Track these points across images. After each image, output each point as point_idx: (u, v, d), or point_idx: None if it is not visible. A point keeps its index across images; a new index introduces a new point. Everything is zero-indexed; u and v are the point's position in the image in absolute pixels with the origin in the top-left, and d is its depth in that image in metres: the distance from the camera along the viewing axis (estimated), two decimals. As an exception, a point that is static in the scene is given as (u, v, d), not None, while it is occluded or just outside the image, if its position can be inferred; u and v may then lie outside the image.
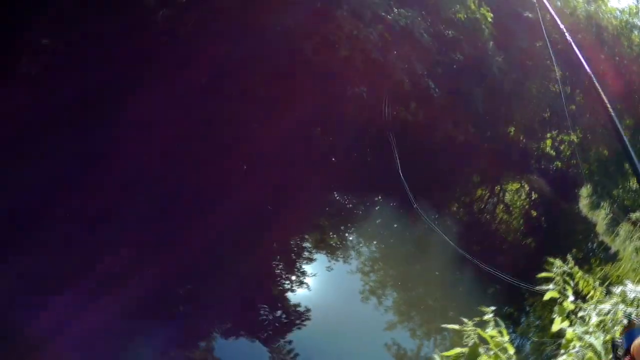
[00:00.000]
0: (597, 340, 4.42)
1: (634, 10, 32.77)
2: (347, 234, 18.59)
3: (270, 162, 17.05)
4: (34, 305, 8.76)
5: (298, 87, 16.97)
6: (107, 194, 12.21)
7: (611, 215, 29.26)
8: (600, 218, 31.03)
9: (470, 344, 4.37)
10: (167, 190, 13.77)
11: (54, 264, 9.72)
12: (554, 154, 33.39)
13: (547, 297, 4.93)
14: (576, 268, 5.69)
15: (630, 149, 3.38)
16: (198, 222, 13.13)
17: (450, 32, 20.04)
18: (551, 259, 5.23)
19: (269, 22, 16.48)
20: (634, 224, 23.43)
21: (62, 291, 9.08)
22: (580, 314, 5.10)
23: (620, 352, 2.95)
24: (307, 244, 17.24)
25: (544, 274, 5.07)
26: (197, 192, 14.59)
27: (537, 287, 5.21)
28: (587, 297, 5.65)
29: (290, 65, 16.92)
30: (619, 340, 2.99)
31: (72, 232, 10.88)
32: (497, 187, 28.40)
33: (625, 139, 3.55)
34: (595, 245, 24.96)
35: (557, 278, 5.03)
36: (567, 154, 33.36)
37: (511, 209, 27.64)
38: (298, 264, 15.59)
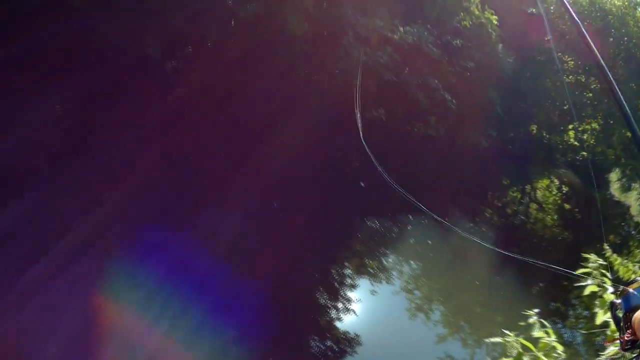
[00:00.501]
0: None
1: (637, -13, 32.64)
2: (385, 256, 18.62)
3: (298, 190, 17.18)
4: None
5: (316, 118, 17.14)
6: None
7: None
8: (633, 200, 30.72)
9: (514, 354, 4.48)
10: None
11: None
12: (577, 144, 33.12)
13: (586, 292, 4.91)
14: (614, 256, 5.62)
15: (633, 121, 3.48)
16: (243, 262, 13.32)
17: (458, 42, 20.03)
18: (586, 254, 5.18)
19: (274, 62, 16.76)
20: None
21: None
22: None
23: (619, 313, 3.06)
24: (347, 271, 17.29)
25: (581, 271, 5.00)
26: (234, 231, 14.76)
27: (578, 272, 4.99)
28: (629, 283, 5.58)
29: (305, 98, 17.10)
30: (617, 301, 3.10)
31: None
32: (528, 187, 28.26)
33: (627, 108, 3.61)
34: (631, 227, 24.73)
35: (595, 272, 4.99)
36: (592, 142, 33.09)
37: (544, 205, 27.47)
38: (342, 292, 15.66)
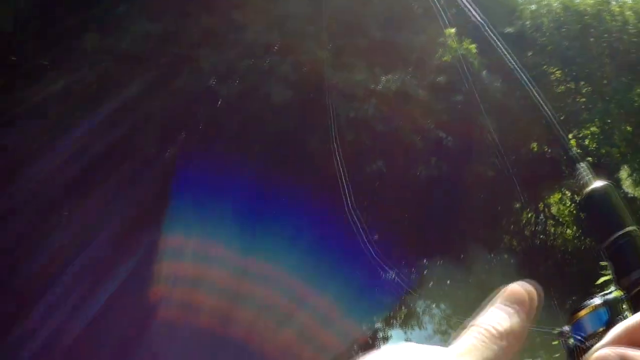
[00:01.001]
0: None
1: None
2: (411, 304, 18.41)
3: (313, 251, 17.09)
4: None
5: (312, 179, 17.09)
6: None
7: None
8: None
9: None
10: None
11: None
12: (580, 151, 33.04)
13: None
14: None
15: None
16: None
17: (442, 78, 20.13)
18: (604, 263, 4.95)
19: (264, 134, 16.84)
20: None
21: None
22: None
23: (570, 344, 2.77)
24: (378, 325, 17.05)
25: (602, 279, 5.28)
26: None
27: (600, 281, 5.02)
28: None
29: (296, 166, 17.11)
30: (565, 329, 2.69)
31: None
32: (540, 205, 27.98)
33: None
34: None
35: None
36: (594, 146, 33.00)
37: (560, 219, 27.19)
38: (376, 346, 15.35)
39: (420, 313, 17.86)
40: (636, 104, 33.07)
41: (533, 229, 25.23)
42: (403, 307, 18.18)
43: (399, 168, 18.60)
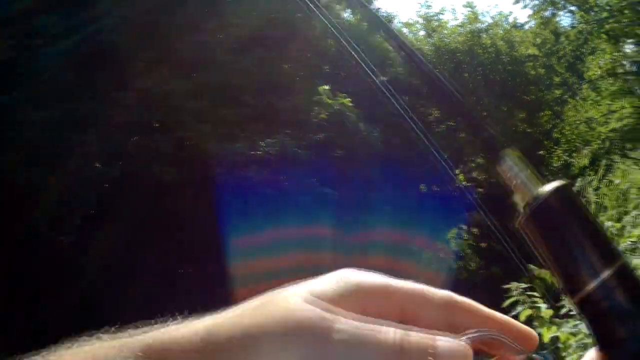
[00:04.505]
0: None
1: (472, 17, 34.56)
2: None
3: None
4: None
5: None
6: None
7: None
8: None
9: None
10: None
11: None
12: (469, 184, 33.94)
13: (522, 318, 4.81)
14: (542, 270, 5.85)
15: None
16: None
17: (320, 136, 20.90)
18: (508, 285, 5.23)
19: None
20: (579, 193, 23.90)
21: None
22: (563, 310, 5.11)
23: None
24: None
25: (508, 302, 5.02)
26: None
27: (505, 304, 5.03)
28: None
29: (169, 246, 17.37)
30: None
31: None
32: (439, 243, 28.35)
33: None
34: None
35: (521, 298, 5.04)
36: (483, 177, 34.07)
37: (461, 254, 27.77)
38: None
39: None
40: (520, 129, 34.74)
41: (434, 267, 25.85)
42: None
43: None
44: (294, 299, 0.63)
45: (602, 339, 0.68)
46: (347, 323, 0.61)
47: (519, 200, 0.72)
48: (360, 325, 0.61)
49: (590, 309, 0.68)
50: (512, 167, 0.75)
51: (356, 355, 0.59)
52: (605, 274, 0.65)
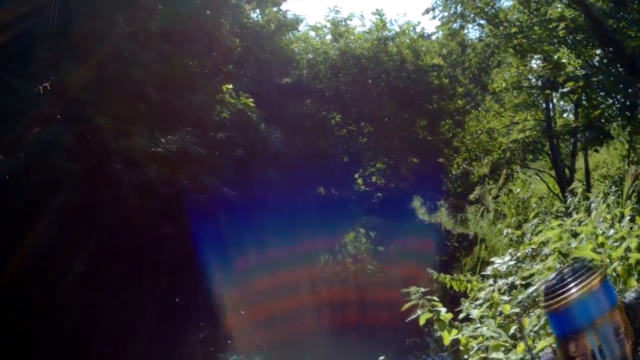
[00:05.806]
0: (490, 326, 4.53)
1: (380, 24, 35.11)
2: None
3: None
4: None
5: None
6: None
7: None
8: (444, 217, 32.66)
9: None
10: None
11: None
12: (369, 189, 34.61)
13: (422, 322, 4.80)
14: (442, 275, 5.98)
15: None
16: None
17: (222, 135, 20.79)
18: (404, 290, 5.04)
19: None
20: (472, 203, 24.62)
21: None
22: (462, 314, 5.12)
23: None
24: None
25: (406, 305, 4.87)
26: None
27: (404, 307, 4.84)
28: (467, 293, 5.76)
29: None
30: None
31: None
32: (337, 246, 28.49)
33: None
34: (454, 240, 25.93)
35: (420, 302, 4.91)
36: (382, 182, 34.74)
37: (359, 256, 27.99)
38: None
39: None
40: (420, 136, 35.67)
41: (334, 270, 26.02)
42: None
43: (188, 229, 18.73)
44: None
45: None
46: None
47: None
48: None
49: None
50: None
51: None
52: None
